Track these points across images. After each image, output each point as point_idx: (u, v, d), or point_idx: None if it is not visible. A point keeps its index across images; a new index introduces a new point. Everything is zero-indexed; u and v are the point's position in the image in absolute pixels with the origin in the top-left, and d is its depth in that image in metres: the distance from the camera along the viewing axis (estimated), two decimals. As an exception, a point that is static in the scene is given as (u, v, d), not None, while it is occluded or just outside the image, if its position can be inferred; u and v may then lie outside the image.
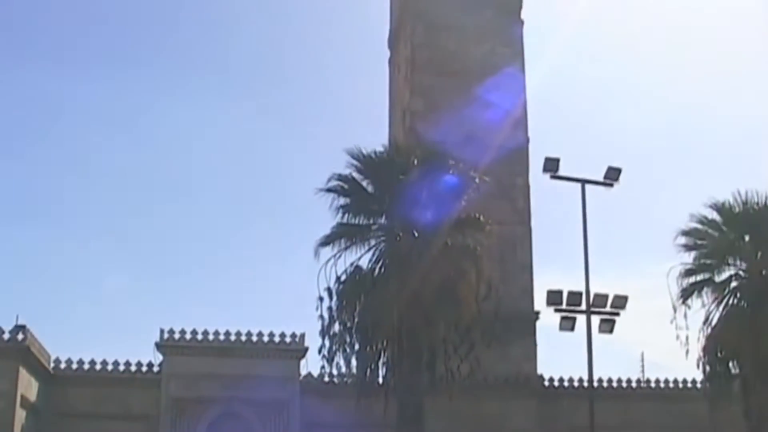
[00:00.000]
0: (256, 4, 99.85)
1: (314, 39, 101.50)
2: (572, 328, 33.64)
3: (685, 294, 35.73)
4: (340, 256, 33.08)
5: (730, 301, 35.90)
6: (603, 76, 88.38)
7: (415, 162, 34.30)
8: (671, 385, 49.16)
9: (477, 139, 47.08)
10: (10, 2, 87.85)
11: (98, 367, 43.88)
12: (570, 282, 35.67)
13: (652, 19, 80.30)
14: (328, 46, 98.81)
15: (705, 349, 35.17)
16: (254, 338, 44.10)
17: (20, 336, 38.76)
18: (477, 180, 34.77)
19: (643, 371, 56.96)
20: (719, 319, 35.56)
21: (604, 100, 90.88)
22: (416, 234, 33.39)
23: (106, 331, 76.31)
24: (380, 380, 33.06)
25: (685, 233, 36.54)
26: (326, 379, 39.58)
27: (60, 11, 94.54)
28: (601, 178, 34.69)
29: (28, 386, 39.86)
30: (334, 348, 32.33)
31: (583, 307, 33.43)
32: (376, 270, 33.31)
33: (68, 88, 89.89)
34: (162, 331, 43.39)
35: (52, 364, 43.01)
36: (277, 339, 44.21)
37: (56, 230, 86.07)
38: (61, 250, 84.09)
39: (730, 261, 36.39)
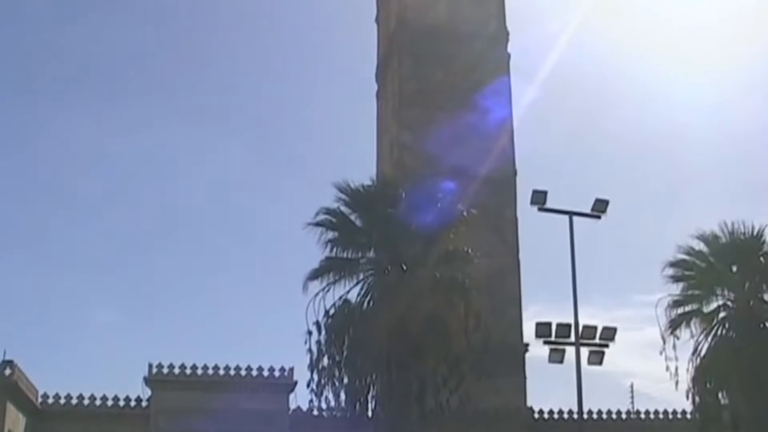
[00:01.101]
0: (245, 39, 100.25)
1: (302, 72, 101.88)
2: (561, 360, 33.57)
3: (674, 325, 35.85)
4: (328, 290, 33.15)
5: (719, 332, 36.00)
6: (590, 107, 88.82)
7: (403, 195, 34.36)
8: (661, 415, 49.10)
9: (465, 172, 47.15)
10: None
11: (86, 402, 43.58)
12: (558, 313, 35.75)
13: (636, 51, 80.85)
14: (316, 79, 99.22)
15: (694, 380, 35.24)
16: (243, 372, 43.92)
17: (8, 371, 38.54)
18: (465, 213, 34.83)
19: (632, 402, 57.09)
20: (708, 350, 35.66)
21: (591, 130, 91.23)
22: (405, 267, 33.42)
23: (94, 366, 75.88)
24: (369, 414, 32.99)
25: (673, 264, 36.71)
26: (315, 413, 39.29)
27: (45, 43, 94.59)
28: (588, 210, 34.74)
29: (16, 422, 39.59)
30: (323, 382, 32.28)
31: (572, 339, 33.39)
32: (365, 303, 33.30)
33: (57, 120, 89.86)
34: (150, 366, 43.20)
35: (39, 400, 42.75)
36: (265, 373, 44.03)
37: (44, 264, 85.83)
38: (49, 285, 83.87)
39: (718, 292, 36.52)
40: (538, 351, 38.46)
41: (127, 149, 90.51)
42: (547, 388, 67.94)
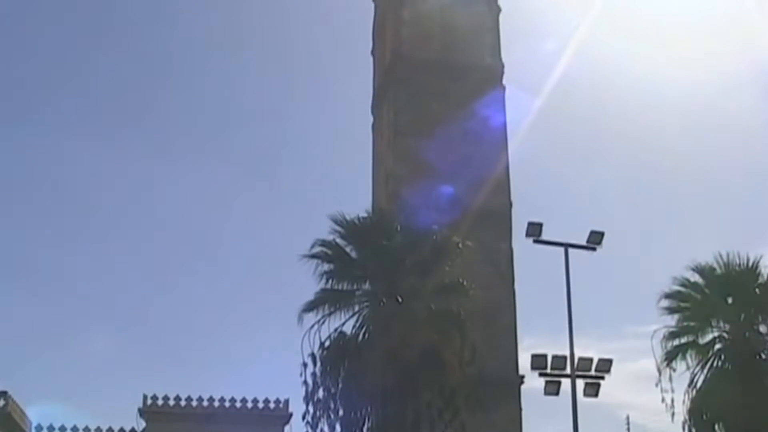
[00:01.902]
0: (242, 70, 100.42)
1: (298, 104, 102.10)
2: (557, 393, 33.59)
3: (670, 356, 35.81)
4: (324, 322, 33.15)
5: (715, 364, 35.97)
6: (585, 139, 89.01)
7: (398, 228, 34.45)
8: (657, 448, 49.00)
9: (460, 204, 47.29)
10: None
11: (80, 433, 43.49)
12: (554, 345, 35.69)
13: (630, 80, 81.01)
14: (312, 111, 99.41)
15: (691, 412, 35.14)
16: (238, 404, 43.88)
17: (1, 402, 38.46)
18: (460, 245, 34.90)
19: (629, 434, 56.74)
20: (704, 382, 35.60)
21: (587, 161, 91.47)
22: (400, 299, 33.42)
23: (88, 396, 75.51)
24: (365, 446, 32.88)
25: (668, 296, 36.73)
26: (311, 445, 39.25)
27: (36, 70, 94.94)
28: (584, 242, 34.87)
29: (9, 454, 39.50)
30: (318, 414, 32.19)
31: (568, 371, 33.41)
32: (360, 335, 33.30)
33: (49, 144, 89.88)
34: (145, 397, 43.15)
35: (33, 431, 42.61)
36: (260, 405, 44.01)
37: (39, 294, 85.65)
38: (43, 315, 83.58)
39: (714, 323, 36.51)
40: (533, 383, 38.43)
41: (120, 176, 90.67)
42: (543, 420, 67.50)
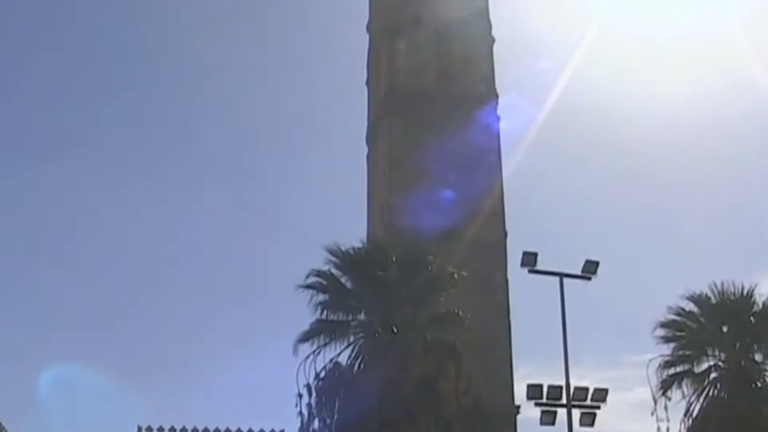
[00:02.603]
0: (237, 99, 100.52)
1: (293, 134, 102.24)
2: (553, 422, 33.50)
3: (665, 385, 35.85)
4: (319, 353, 33.18)
5: (711, 392, 35.99)
6: (579, 167, 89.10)
7: (394, 258, 34.53)
8: (654, 477, 48.73)
9: (455, 234, 47.34)
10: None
11: (75, 466, 43.40)
12: (550, 374, 35.69)
13: (625, 107, 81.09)
14: (307, 142, 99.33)
15: (687, 441, 35.14)
16: (233, 435, 43.66)
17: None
18: (455, 275, 34.94)
19: (625, 464, 56.56)
20: (700, 410, 35.62)
21: (581, 190, 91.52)
22: (395, 330, 33.44)
23: (83, 428, 75.12)
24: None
25: (664, 325, 36.83)
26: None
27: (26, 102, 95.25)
28: (579, 271, 34.90)
29: (4, 486, 39.33)
30: (314, 445, 32.16)
31: (564, 401, 33.36)
32: (356, 366, 33.30)
33: (37, 172, 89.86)
34: (140, 429, 42.94)
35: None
36: (256, 436, 43.78)
37: (33, 324, 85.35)
38: (37, 344, 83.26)
39: (709, 352, 36.59)
40: (529, 413, 38.30)
41: (112, 206, 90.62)
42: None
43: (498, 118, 54.05)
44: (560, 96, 56.04)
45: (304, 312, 33.70)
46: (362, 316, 34.41)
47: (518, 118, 56.46)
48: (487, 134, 53.16)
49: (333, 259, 34.12)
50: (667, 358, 36.44)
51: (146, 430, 42.96)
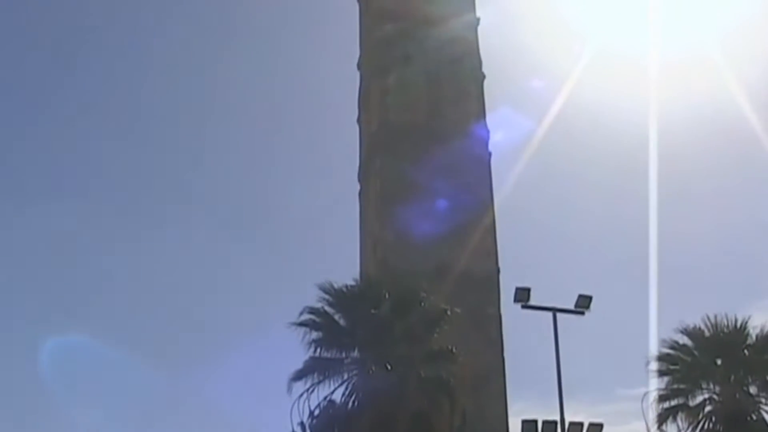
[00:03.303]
0: (230, 138, 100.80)
1: (285, 172, 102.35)
2: (549, 457, 33.46)
3: (660, 419, 35.82)
4: (313, 391, 33.08)
5: (706, 425, 35.93)
6: (568, 199, 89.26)
7: (387, 295, 34.54)
8: None
9: (448, 269, 47.37)
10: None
11: None
12: (544, 410, 35.65)
13: (617, 134, 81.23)
14: (300, 180, 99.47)
15: (682, 475, 35.06)
16: (228, 476, 43.59)
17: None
18: (448, 311, 34.97)
19: (621, 499, 56.28)
20: (695, 444, 35.54)
21: (572, 223, 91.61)
22: (389, 367, 33.40)
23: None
24: None
25: (658, 358, 36.86)
26: None
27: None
28: (572, 305, 34.98)
29: None
30: (309, 484, 32.03)
31: (559, 436, 33.32)
32: (350, 403, 33.22)
33: (29, 214, 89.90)
34: None
35: None
36: (251, 476, 43.70)
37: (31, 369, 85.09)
38: (35, 393, 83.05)
39: (704, 385, 36.56)
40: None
41: (105, 244, 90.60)
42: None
43: (489, 154, 54.27)
44: (549, 130, 56.31)
45: (298, 349, 33.70)
46: (356, 354, 34.37)
47: (509, 151, 56.81)
48: (479, 169, 53.32)
49: (326, 296, 34.17)
50: (662, 392, 36.43)
51: None
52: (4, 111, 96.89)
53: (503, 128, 57.21)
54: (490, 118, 55.48)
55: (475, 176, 52.84)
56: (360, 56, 59.80)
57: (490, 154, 54.30)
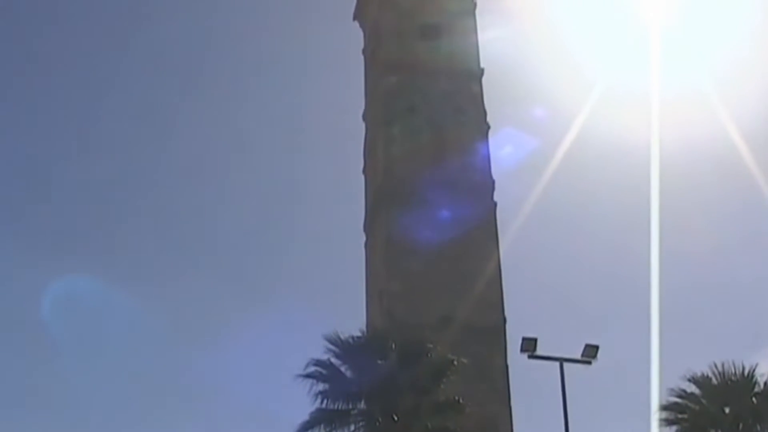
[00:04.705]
0: (234, 187, 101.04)
1: (290, 223, 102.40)
2: None
3: (670, 469, 35.64)
4: (320, 443, 33.00)
5: (714, 474, 35.76)
6: (575, 247, 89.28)
7: (393, 346, 34.56)
8: None
9: (454, 321, 47.43)
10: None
11: None
12: (552, 459, 35.63)
13: (621, 173, 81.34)
14: (305, 231, 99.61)
15: None
16: None
17: None
18: (455, 362, 34.97)
19: None
20: (704, 494, 35.35)
21: (578, 271, 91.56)
22: (396, 418, 33.32)
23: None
24: None
25: (665, 407, 36.70)
26: None
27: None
28: (578, 355, 35.02)
29: None
30: None
31: (567, 486, 33.24)
32: (358, 456, 33.15)
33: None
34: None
35: None
36: None
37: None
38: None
39: (712, 433, 36.41)
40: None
41: (99, 292, 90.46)
42: None
43: (495, 204, 54.44)
44: (551, 180, 56.46)
45: (304, 402, 33.69)
46: (362, 405, 34.30)
47: (514, 200, 56.96)
48: (485, 219, 53.49)
49: (332, 348, 34.16)
50: (670, 441, 36.29)
51: None
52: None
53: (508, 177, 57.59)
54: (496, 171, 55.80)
55: (481, 225, 53.00)
56: (365, 108, 60.27)
57: (496, 204, 54.49)
